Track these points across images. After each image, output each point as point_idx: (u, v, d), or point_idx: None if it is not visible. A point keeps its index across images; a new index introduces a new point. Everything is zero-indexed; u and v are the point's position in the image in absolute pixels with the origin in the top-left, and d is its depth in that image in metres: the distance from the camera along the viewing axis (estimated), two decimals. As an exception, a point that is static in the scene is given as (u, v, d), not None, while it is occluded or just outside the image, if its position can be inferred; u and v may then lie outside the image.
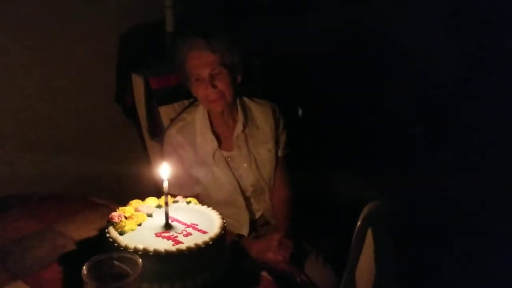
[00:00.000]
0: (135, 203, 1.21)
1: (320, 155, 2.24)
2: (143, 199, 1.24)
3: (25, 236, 1.23)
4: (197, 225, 1.14)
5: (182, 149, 1.67)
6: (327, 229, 1.75)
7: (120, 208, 1.17)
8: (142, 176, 1.67)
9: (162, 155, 1.71)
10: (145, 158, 1.96)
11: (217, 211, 1.22)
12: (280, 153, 1.79)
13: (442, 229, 2.00)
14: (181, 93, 1.83)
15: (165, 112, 1.87)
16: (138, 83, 1.87)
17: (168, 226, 1.12)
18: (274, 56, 2.24)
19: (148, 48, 2.13)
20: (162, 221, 1.14)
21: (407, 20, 2.54)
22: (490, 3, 2.38)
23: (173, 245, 1.04)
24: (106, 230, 1.09)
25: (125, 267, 0.94)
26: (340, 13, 2.56)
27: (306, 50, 2.44)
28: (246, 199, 1.71)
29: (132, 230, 1.10)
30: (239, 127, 1.70)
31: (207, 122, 1.68)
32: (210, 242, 1.05)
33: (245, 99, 1.77)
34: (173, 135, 1.68)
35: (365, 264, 1.19)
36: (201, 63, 1.59)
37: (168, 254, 1.01)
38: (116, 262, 0.95)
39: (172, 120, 1.78)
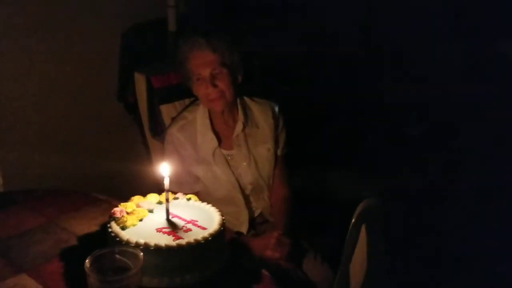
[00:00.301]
0: (136, 199, 1.23)
1: (320, 155, 2.26)
2: (144, 195, 1.25)
3: (28, 231, 1.25)
4: (196, 221, 1.16)
5: (183, 148, 1.69)
6: (326, 228, 1.77)
7: (122, 203, 1.19)
8: (143, 173, 1.69)
9: (163, 153, 1.73)
10: (147, 156, 1.97)
11: (217, 208, 1.24)
12: (279, 152, 1.80)
13: (438, 227, 2.02)
14: (182, 92, 1.84)
15: (166, 110, 1.88)
16: (140, 82, 1.88)
17: (168, 222, 1.14)
18: (274, 56, 2.25)
19: (150, 47, 2.15)
20: (162, 217, 1.16)
21: (407, 20, 2.55)
22: (491, 5, 2.39)
23: (173, 240, 1.05)
24: (108, 225, 1.11)
25: (126, 260, 0.96)
26: (340, 14, 2.57)
27: (306, 50, 2.45)
28: (245, 197, 1.73)
29: (134, 225, 1.12)
30: (239, 126, 1.71)
31: (208, 121, 1.70)
32: (209, 238, 1.07)
33: (246, 98, 1.78)
34: (174, 133, 1.70)
35: (359, 259, 1.22)
36: (202, 62, 1.60)
37: (168, 249, 1.02)
38: (117, 256, 0.97)
39: (173, 119, 1.80)
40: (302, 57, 2.43)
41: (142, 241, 1.03)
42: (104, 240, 1.10)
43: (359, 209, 1.20)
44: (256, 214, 1.77)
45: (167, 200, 1.15)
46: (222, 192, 1.70)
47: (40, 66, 1.91)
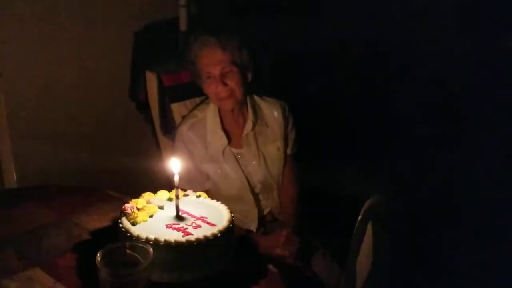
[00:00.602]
0: (147, 195, 1.24)
1: (328, 153, 2.25)
2: (155, 192, 1.26)
3: (41, 226, 1.27)
4: (206, 218, 1.17)
5: (193, 146, 1.70)
6: (335, 226, 1.77)
7: (132, 200, 1.20)
8: (154, 170, 1.70)
9: (174, 150, 1.74)
10: (157, 153, 1.99)
11: (226, 206, 1.25)
12: (288, 151, 1.80)
13: (445, 226, 2.00)
14: (193, 91, 1.85)
15: (177, 109, 1.90)
16: (151, 80, 1.89)
17: (178, 218, 1.16)
18: (284, 55, 2.26)
19: (162, 46, 2.17)
20: (172, 213, 1.17)
21: (417, 19, 2.53)
22: (502, 2, 2.37)
23: (182, 236, 1.07)
24: (119, 221, 1.12)
25: (136, 255, 0.98)
26: (350, 13, 2.56)
27: (316, 49, 2.45)
28: (255, 196, 1.74)
29: (144, 221, 1.13)
30: (248, 125, 1.72)
31: (218, 120, 1.71)
32: (219, 234, 1.08)
33: (255, 97, 1.79)
34: (184, 131, 1.71)
35: (364, 256, 1.22)
36: (212, 61, 1.61)
37: (178, 244, 1.04)
38: (128, 251, 0.99)
39: (184, 117, 1.81)
40: (311, 56, 2.43)
41: (152, 236, 1.04)
42: (115, 235, 1.12)
43: (365, 206, 1.21)
44: (265, 213, 1.78)
45: (177, 197, 1.16)
46: (232, 190, 1.71)
47: (55, 65, 1.94)
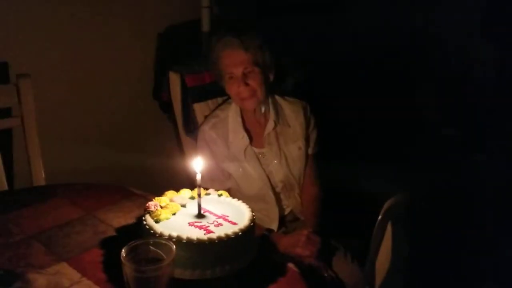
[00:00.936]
0: (170, 194, 1.25)
1: (351, 155, 2.24)
2: (177, 190, 1.27)
3: (68, 222, 1.29)
4: (227, 216, 1.17)
5: (215, 145, 1.72)
6: (356, 226, 1.76)
7: (156, 198, 1.21)
8: (177, 169, 1.72)
9: (196, 150, 1.76)
10: (180, 152, 2.01)
11: (247, 205, 1.26)
12: (310, 151, 1.80)
13: (466, 227, 1.97)
14: (214, 91, 1.87)
15: (200, 109, 1.91)
16: (174, 81, 1.91)
17: (200, 216, 1.16)
18: (306, 55, 2.25)
19: (185, 47, 2.19)
20: (194, 211, 1.18)
21: (445, 20, 2.50)
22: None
23: (204, 234, 1.07)
24: (143, 218, 1.14)
25: (160, 252, 0.99)
26: (375, 13, 2.54)
27: (338, 49, 2.44)
28: (276, 195, 1.74)
29: (167, 218, 1.14)
30: (270, 124, 1.73)
31: (239, 119, 1.72)
32: (240, 233, 1.09)
33: (277, 97, 1.80)
34: (206, 131, 1.73)
35: (384, 257, 1.21)
36: (234, 61, 1.63)
37: (200, 242, 1.04)
38: (151, 248, 1.00)
39: (206, 117, 1.83)
40: (334, 56, 2.42)
41: (174, 234, 1.05)
42: (139, 232, 1.14)
43: (386, 206, 1.20)
44: (286, 212, 1.78)
45: (199, 196, 1.17)
46: (253, 189, 1.71)
47: (81, 65, 1.98)
